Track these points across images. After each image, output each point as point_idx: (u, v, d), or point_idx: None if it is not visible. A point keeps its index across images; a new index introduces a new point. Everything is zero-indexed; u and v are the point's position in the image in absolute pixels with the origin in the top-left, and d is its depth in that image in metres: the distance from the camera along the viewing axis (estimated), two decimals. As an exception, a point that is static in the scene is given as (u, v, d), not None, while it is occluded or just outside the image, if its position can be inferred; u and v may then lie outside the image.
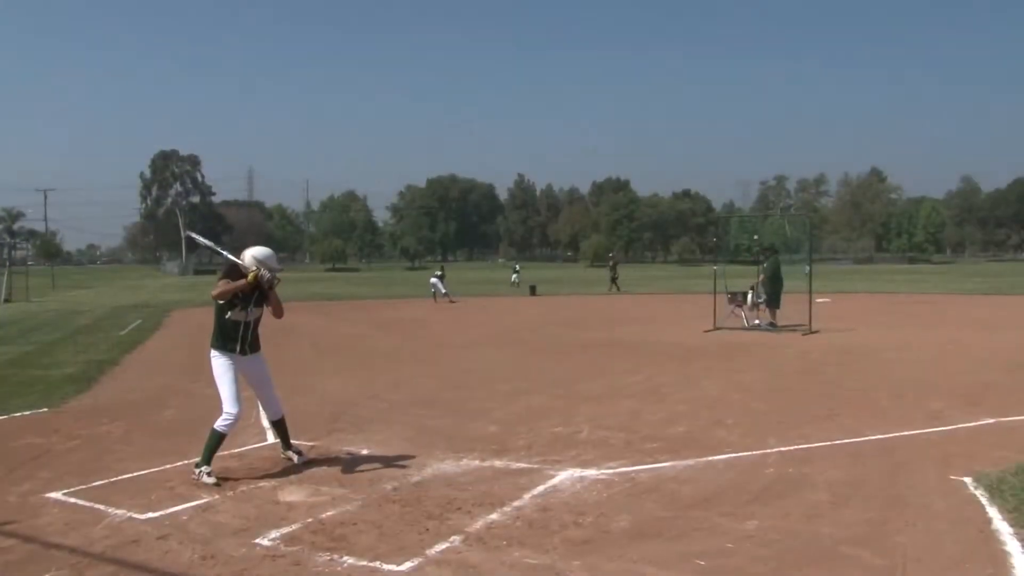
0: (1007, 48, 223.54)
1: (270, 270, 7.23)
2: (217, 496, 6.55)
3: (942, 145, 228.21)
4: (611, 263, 46.41)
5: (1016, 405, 9.95)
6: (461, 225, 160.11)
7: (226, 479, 6.95)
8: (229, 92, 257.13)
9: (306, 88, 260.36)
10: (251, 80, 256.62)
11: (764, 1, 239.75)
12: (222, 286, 7.10)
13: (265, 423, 8.56)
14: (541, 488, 6.67)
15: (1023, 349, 15.76)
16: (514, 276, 49.72)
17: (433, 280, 35.72)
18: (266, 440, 8.45)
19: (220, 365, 7.21)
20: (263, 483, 6.94)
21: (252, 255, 7.23)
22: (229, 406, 7.06)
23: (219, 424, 7.03)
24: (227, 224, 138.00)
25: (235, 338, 7.21)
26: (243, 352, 7.26)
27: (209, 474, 6.88)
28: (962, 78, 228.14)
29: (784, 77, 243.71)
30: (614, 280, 43.16)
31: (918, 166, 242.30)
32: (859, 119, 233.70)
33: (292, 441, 7.70)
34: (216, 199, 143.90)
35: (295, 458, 7.59)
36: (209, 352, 7.29)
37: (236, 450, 7.93)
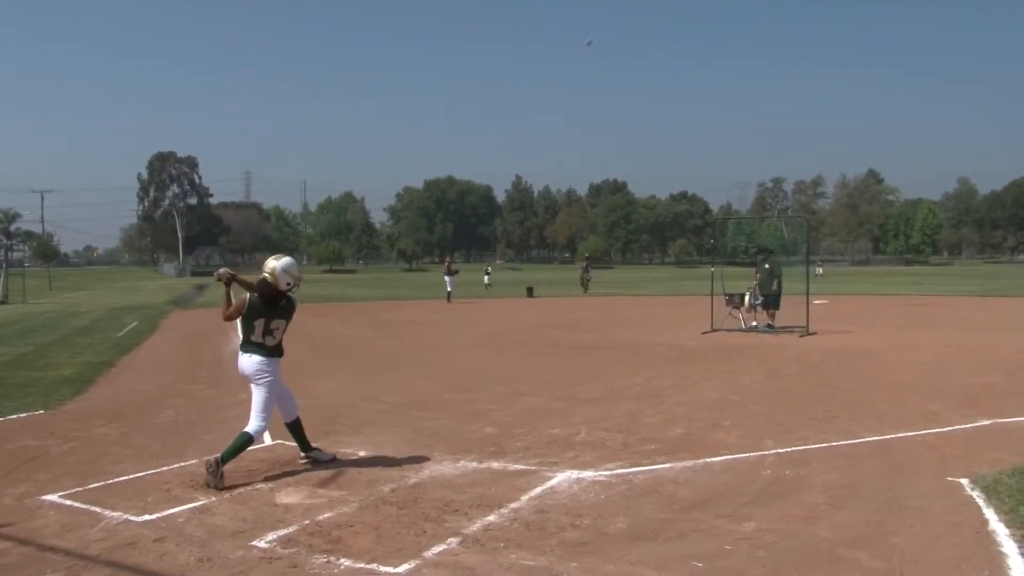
0: (1004, 51, 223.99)
1: (294, 279, 7.40)
2: (214, 498, 6.53)
3: (939, 147, 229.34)
4: (584, 264, 46.79)
5: (1013, 407, 9.97)
6: (459, 227, 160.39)
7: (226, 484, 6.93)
8: (227, 94, 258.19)
9: (304, 89, 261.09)
10: (249, 81, 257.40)
11: (762, 4, 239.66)
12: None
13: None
14: (538, 490, 6.67)
15: (1020, 351, 15.78)
16: (486, 278, 49.51)
17: (447, 278, 35.91)
18: (263, 443, 8.43)
19: (275, 375, 7.34)
20: (260, 485, 6.92)
21: (284, 270, 7.36)
22: (270, 418, 7.30)
23: (257, 430, 7.16)
24: (224, 225, 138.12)
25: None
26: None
27: (221, 477, 6.80)
28: (959, 80, 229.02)
29: (782, 79, 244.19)
30: (586, 281, 43.66)
31: (915, 168, 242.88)
32: (856, 121, 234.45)
33: (295, 444, 7.76)
34: (213, 200, 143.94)
35: (318, 455, 7.67)
36: (264, 360, 7.27)
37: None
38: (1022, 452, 7.61)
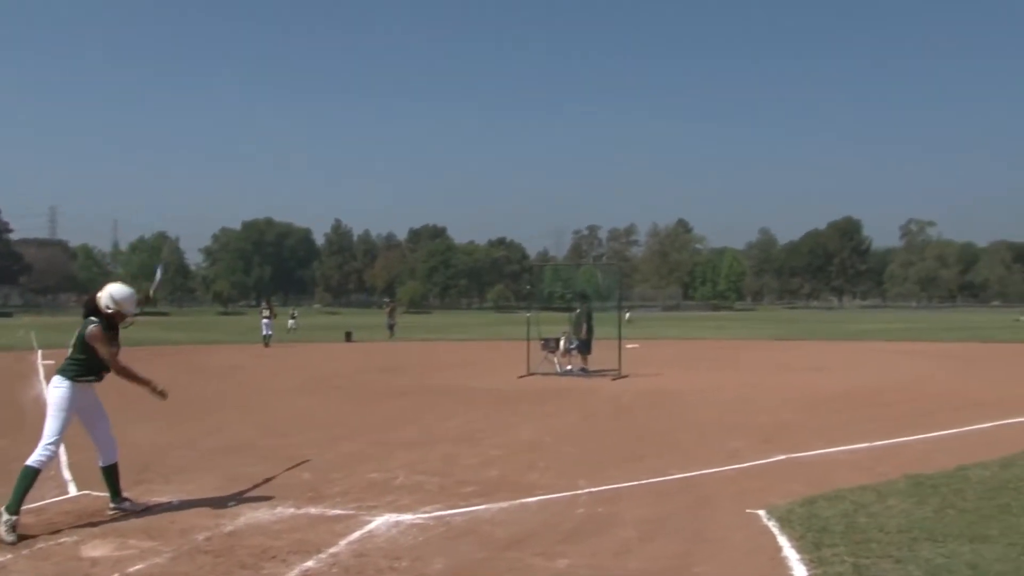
0: (799, 107, 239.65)
1: (115, 307, 7.25)
2: (10, 556, 6.15)
3: (743, 199, 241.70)
4: (388, 309, 46.38)
5: (806, 442, 10.70)
6: (277, 270, 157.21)
7: (23, 536, 6.54)
8: (29, 123, 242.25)
9: (117, 123, 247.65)
10: (55, 111, 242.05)
11: (575, 54, 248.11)
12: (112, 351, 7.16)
13: (68, 475, 8.17)
14: (357, 534, 6.64)
15: (815, 389, 16.89)
16: (291, 323, 48.23)
17: (265, 321, 35.11)
18: (67, 493, 8.05)
19: (65, 397, 6.98)
20: (64, 539, 6.57)
21: (110, 294, 7.25)
22: (56, 439, 6.88)
23: (37, 459, 6.77)
24: (25, 263, 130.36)
25: (98, 368, 7.13)
26: (99, 379, 7.19)
27: (13, 528, 6.45)
28: (760, 136, 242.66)
29: (595, 129, 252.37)
30: (391, 327, 43.25)
31: (721, 218, 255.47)
32: (667, 172, 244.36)
33: (103, 494, 7.41)
34: (14, 237, 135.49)
35: (129, 507, 7.35)
36: (59, 379, 7.03)
37: (33, 505, 7.44)
38: (812, 483, 8.16)
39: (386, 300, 54.00)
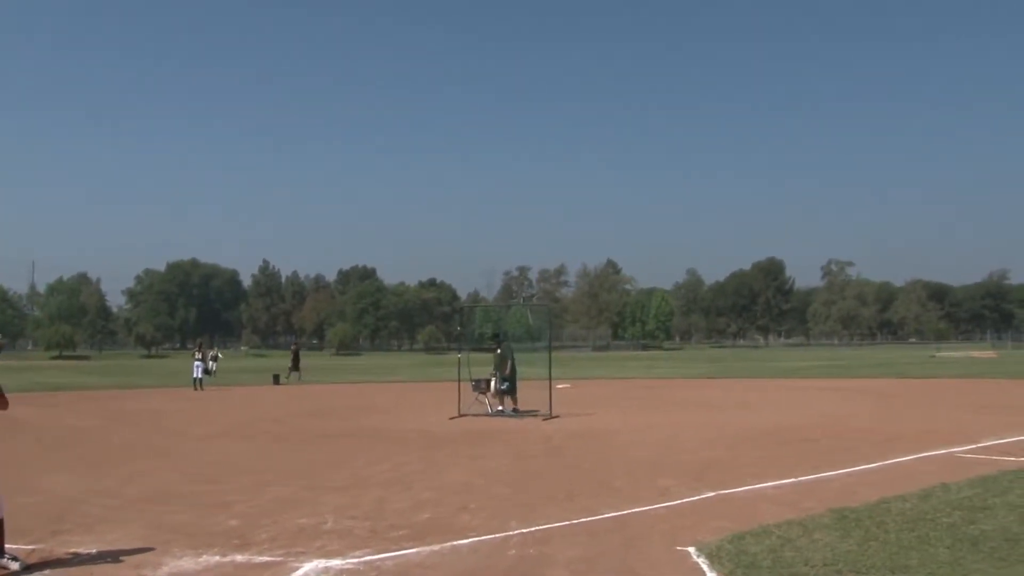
0: (723, 151, 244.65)
1: None
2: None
3: (670, 240, 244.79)
4: (293, 350, 45.84)
5: (734, 479, 10.83)
6: (202, 311, 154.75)
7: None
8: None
9: (34, 161, 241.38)
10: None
11: (503, 98, 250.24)
12: None
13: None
14: (285, 581, 6.54)
15: (742, 427, 17.12)
16: (212, 365, 46.99)
17: (197, 363, 34.72)
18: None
19: None
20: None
21: None
22: None
23: None
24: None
25: None
26: None
27: None
28: (686, 178, 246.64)
29: (525, 171, 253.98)
30: (295, 369, 42.10)
31: (649, 259, 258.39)
32: (596, 213, 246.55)
33: (7, 546, 7.13)
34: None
35: (13, 566, 7.01)
36: None
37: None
38: (740, 520, 8.28)
39: (293, 343, 52.74)
